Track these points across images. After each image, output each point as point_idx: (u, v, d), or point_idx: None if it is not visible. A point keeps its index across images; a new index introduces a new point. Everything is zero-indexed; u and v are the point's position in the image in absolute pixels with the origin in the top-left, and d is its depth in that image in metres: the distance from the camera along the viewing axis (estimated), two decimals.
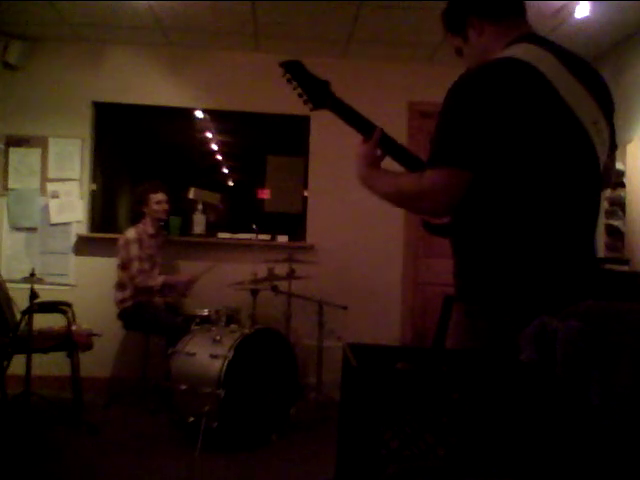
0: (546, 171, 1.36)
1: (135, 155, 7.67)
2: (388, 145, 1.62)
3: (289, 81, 1.60)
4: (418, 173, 1.43)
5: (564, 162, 1.38)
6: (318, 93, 1.61)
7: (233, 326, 3.65)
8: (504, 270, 1.39)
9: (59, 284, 3.99)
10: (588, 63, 1.51)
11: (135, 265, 3.96)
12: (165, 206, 4.18)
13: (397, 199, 1.52)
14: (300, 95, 1.61)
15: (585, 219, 1.46)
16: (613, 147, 1.57)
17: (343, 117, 1.61)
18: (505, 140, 1.33)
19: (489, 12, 1.51)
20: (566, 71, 1.40)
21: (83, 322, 3.80)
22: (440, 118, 1.40)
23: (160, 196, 4.15)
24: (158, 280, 4.03)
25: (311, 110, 1.65)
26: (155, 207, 4.13)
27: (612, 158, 1.61)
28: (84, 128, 4.61)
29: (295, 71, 1.60)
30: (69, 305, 3.73)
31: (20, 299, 3.51)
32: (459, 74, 1.44)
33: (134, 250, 3.99)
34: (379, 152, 1.62)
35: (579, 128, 1.38)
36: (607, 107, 1.48)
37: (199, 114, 5.31)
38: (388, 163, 1.64)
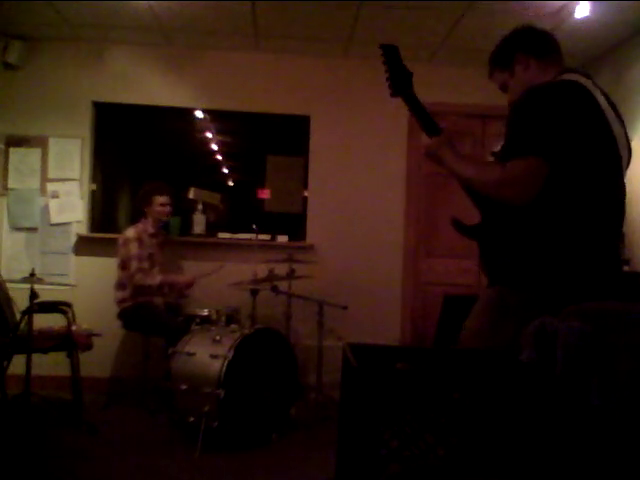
0: (589, 178, 1.59)
1: (135, 155, 7.67)
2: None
3: (384, 63, 1.74)
4: (501, 163, 1.60)
5: (604, 172, 1.62)
6: (401, 81, 1.73)
7: (233, 326, 3.65)
8: (545, 261, 1.58)
9: (59, 284, 3.98)
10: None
11: (134, 264, 3.96)
12: (168, 209, 4.19)
13: (479, 184, 1.67)
14: (387, 79, 1.74)
15: (615, 225, 1.69)
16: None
17: (412, 111, 1.74)
18: (571, 145, 1.56)
19: (534, 49, 1.79)
20: (604, 98, 1.68)
21: (83, 322, 3.80)
22: (523, 117, 1.61)
23: (165, 199, 4.16)
24: (156, 279, 4.02)
25: (391, 96, 1.77)
26: (158, 209, 4.14)
27: None
28: (84, 128, 4.61)
29: (390, 55, 1.74)
30: (69, 305, 3.73)
31: (20, 299, 3.51)
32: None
33: (133, 249, 3.98)
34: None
35: (614, 144, 1.64)
36: (626, 130, 1.76)
37: (199, 114, 5.31)
38: None
